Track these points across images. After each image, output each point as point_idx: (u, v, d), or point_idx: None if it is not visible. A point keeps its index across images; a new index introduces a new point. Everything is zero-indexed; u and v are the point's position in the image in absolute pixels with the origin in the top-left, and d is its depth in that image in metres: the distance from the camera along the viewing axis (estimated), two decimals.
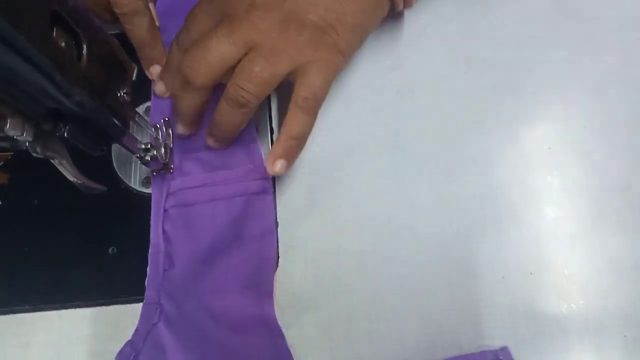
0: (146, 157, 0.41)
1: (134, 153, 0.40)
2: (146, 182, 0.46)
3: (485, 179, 0.46)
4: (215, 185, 0.44)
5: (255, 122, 0.48)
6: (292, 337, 0.42)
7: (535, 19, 0.50)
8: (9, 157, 0.49)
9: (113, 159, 0.47)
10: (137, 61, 0.47)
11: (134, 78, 0.39)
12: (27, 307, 0.45)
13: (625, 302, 0.42)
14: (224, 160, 0.45)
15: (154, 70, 0.47)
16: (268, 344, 0.41)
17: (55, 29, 0.28)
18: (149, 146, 0.42)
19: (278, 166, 0.42)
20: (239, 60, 0.40)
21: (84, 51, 0.31)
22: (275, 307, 0.43)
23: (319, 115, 0.43)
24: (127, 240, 0.46)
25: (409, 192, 0.46)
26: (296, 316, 0.43)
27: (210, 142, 0.44)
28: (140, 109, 0.49)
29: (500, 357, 0.40)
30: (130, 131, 0.38)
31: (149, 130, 0.44)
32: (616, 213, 0.44)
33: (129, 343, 0.41)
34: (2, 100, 0.27)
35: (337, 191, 0.46)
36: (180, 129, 0.45)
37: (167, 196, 0.44)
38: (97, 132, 0.34)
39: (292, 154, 0.42)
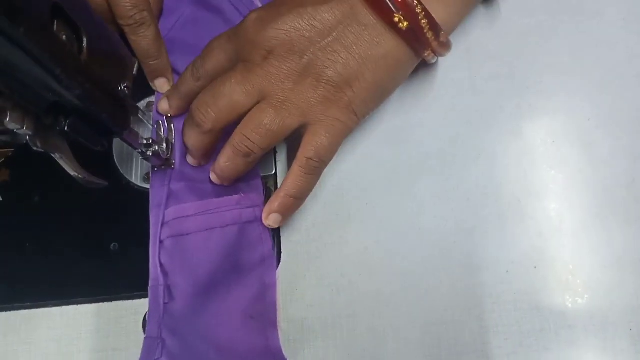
0: (148, 153, 0.41)
1: (135, 148, 0.40)
2: (148, 177, 0.46)
3: (488, 173, 0.45)
4: (209, 213, 0.43)
5: None
6: (295, 332, 0.42)
7: (538, 10, 0.49)
8: (10, 154, 0.48)
9: (114, 154, 0.47)
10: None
11: (135, 72, 0.39)
12: (28, 303, 0.44)
13: (631, 295, 0.42)
14: (220, 188, 0.44)
15: (159, 83, 0.46)
16: None
17: (55, 22, 0.28)
18: (151, 141, 0.41)
19: (272, 220, 0.41)
20: (250, 108, 0.39)
21: (85, 44, 0.31)
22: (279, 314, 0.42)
23: None
24: (128, 236, 0.45)
25: (412, 186, 0.45)
26: (299, 312, 0.43)
27: (213, 178, 0.43)
28: (142, 104, 0.48)
29: None
30: (132, 126, 0.37)
31: (150, 126, 0.44)
32: (621, 206, 0.44)
33: None
34: (2, 93, 0.27)
35: (339, 186, 0.46)
36: (190, 160, 0.44)
37: (162, 226, 0.42)
38: (98, 126, 0.34)
39: (288, 211, 0.42)
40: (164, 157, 0.43)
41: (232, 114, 0.39)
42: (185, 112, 0.45)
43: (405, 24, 0.38)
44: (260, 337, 0.41)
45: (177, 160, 0.45)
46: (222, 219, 0.43)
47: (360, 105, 0.41)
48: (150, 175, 0.45)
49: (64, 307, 0.44)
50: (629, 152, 0.45)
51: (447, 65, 0.48)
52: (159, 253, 0.42)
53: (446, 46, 0.41)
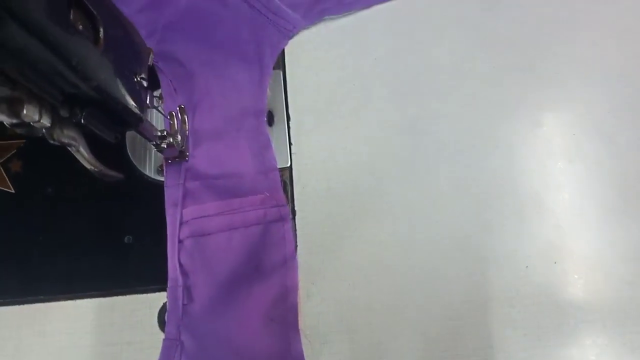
0: (162, 145, 0.40)
1: (150, 140, 0.39)
2: (161, 169, 0.45)
3: (507, 165, 0.45)
4: (231, 213, 0.42)
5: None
6: (312, 326, 0.42)
7: (557, 0, 0.48)
8: (22, 145, 0.48)
9: (127, 146, 0.46)
10: None
11: (150, 62, 0.38)
12: (42, 296, 0.44)
13: None
14: (240, 187, 0.43)
15: None
16: None
17: (72, 12, 0.27)
18: (165, 133, 0.41)
19: None
20: None
21: (101, 34, 0.30)
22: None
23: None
24: (142, 228, 0.45)
25: (428, 179, 0.45)
26: (316, 307, 0.42)
27: None
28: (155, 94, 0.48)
29: None
30: (146, 118, 0.37)
31: (163, 116, 0.43)
32: None
33: None
34: (19, 83, 0.26)
35: (355, 178, 0.45)
36: None
37: (180, 225, 0.42)
38: (114, 118, 0.33)
39: None
40: (179, 148, 0.43)
41: None
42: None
43: None
44: (282, 341, 0.41)
45: (189, 153, 0.44)
46: (246, 218, 0.42)
47: None
48: (164, 167, 0.44)
49: (78, 301, 0.44)
50: None
51: (465, 56, 0.47)
52: (179, 253, 0.41)
53: None
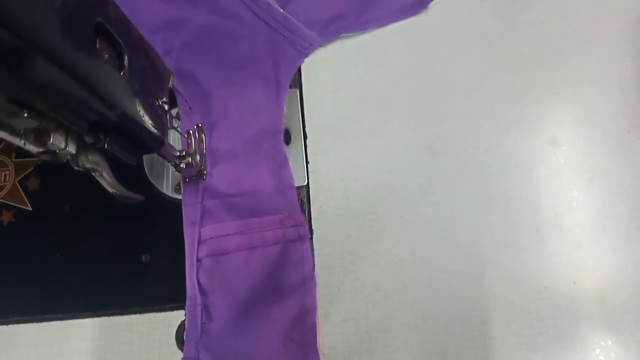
0: (181, 165, 0.40)
1: (169, 161, 0.39)
2: (179, 188, 0.45)
3: (526, 184, 0.44)
4: (250, 232, 0.42)
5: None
6: (331, 346, 0.42)
7: (574, 16, 0.48)
8: (39, 162, 0.48)
9: (144, 164, 0.46)
10: None
11: (170, 85, 0.38)
12: (60, 315, 0.44)
13: None
14: (258, 206, 0.43)
15: None
16: None
17: (98, 41, 0.28)
18: (184, 153, 0.41)
19: None
20: None
21: (125, 62, 0.30)
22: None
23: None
24: (160, 247, 0.45)
25: (447, 197, 0.45)
26: (335, 327, 0.42)
27: None
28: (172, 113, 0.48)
29: None
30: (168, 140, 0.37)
31: (180, 135, 0.43)
32: None
33: None
34: (46, 115, 0.26)
35: (373, 197, 0.45)
36: None
37: (199, 244, 0.42)
38: (136, 142, 0.33)
39: None
40: (197, 168, 0.43)
41: None
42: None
43: None
44: None
45: (207, 172, 0.44)
46: (265, 238, 0.42)
47: None
48: (182, 186, 0.44)
49: (96, 319, 0.44)
50: None
51: (484, 74, 0.47)
52: (197, 272, 0.41)
53: None
